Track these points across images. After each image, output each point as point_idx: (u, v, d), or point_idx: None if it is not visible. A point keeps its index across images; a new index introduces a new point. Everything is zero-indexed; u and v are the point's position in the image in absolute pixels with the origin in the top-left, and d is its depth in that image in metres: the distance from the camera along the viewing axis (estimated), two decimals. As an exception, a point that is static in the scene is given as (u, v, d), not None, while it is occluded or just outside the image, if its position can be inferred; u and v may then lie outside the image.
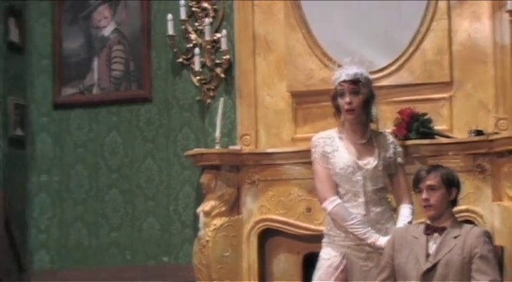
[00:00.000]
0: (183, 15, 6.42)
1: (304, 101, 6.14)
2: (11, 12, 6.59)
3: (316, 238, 4.78)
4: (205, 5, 6.46)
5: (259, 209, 6.06)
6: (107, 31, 6.72)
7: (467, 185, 5.51)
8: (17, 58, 6.68)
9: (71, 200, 6.67)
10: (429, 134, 5.74)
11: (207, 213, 5.99)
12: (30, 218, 6.68)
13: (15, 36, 6.65)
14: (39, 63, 6.79)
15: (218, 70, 6.42)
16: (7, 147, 6.50)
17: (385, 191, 4.55)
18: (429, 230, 4.25)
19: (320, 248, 4.60)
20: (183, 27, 6.47)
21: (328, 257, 4.49)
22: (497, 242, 5.01)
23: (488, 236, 4.22)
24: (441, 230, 4.24)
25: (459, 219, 4.45)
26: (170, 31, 6.41)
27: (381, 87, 5.50)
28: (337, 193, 4.48)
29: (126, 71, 6.67)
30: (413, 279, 4.18)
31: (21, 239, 6.54)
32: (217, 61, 6.43)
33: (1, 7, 6.50)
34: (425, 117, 5.76)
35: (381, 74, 5.85)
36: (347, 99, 4.47)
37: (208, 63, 6.45)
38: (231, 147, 6.19)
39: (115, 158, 6.64)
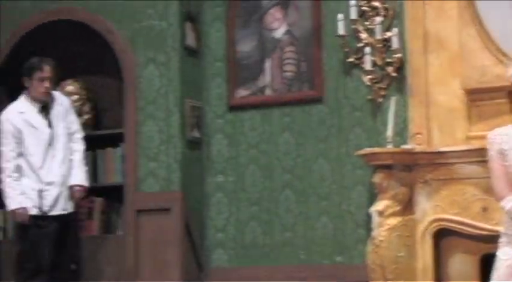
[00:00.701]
0: (353, 15, 6.42)
1: (478, 98, 6.00)
2: (187, 17, 6.78)
3: (493, 238, 4.68)
4: (376, 4, 6.44)
5: (433, 209, 5.98)
6: (279, 33, 6.80)
7: None
8: (193, 62, 6.86)
9: (246, 200, 6.80)
10: None
11: (380, 213, 5.96)
12: (207, 218, 6.85)
13: (191, 40, 6.84)
14: (213, 66, 6.95)
15: (389, 69, 6.39)
16: (185, 148, 6.70)
17: None
18: None
19: (497, 248, 4.50)
20: (353, 26, 6.48)
21: (507, 257, 4.39)
22: None
23: None
24: None
25: None
26: (341, 31, 6.43)
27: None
28: (515, 192, 4.38)
29: (297, 71, 6.73)
30: None
31: (199, 239, 6.73)
32: (388, 60, 6.39)
33: (178, 12, 6.71)
34: None
35: (558, 69, 5.65)
36: (524, 95, 4.36)
37: (379, 62, 6.42)
38: (403, 147, 6.14)
39: (288, 158, 6.72)
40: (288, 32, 6.77)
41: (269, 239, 6.70)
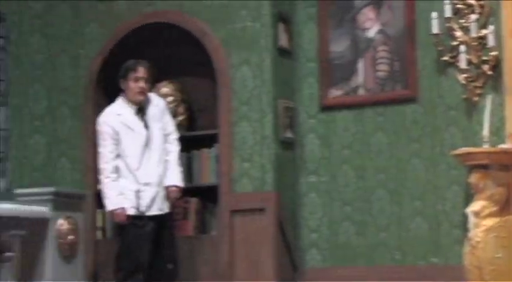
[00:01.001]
0: (448, 13, 6.35)
1: None
2: (280, 18, 6.81)
3: None
4: (471, 1, 6.36)
5: (531, 209, 5.89)
6: (372, 32, 6.77)
7: None
8: (286, 62, 6.88)
9: (339, 200, 6.79)
10: None
11: (476, 214, 5.88)
12: (301, 218, 6.86)
13: (284, 41, 6.86)
14: (306, 67, 6.96)
15: (485, 67, 6.30)
16: (278, 149, 6.72)
17: None
18: None
19: None
20: (447, 25, 6.40)
21: None
22: None
23: None
24: None
25: None
26: (435, 29, 6.37)
27: None
28: None
29: (391, 71, 6.69)
30: None
31: (293, 239, 6.74)
32: (484, 58, 6.31)
33: (271, 13, 6.74)
34: None
35: None
36: None
37: (475, 61, 6.34)
38: (500, 146, 6.04)
39: (381, 158, 6.69)
40: (381, 31, 6.74)
41: (363, 239, 6.67)
